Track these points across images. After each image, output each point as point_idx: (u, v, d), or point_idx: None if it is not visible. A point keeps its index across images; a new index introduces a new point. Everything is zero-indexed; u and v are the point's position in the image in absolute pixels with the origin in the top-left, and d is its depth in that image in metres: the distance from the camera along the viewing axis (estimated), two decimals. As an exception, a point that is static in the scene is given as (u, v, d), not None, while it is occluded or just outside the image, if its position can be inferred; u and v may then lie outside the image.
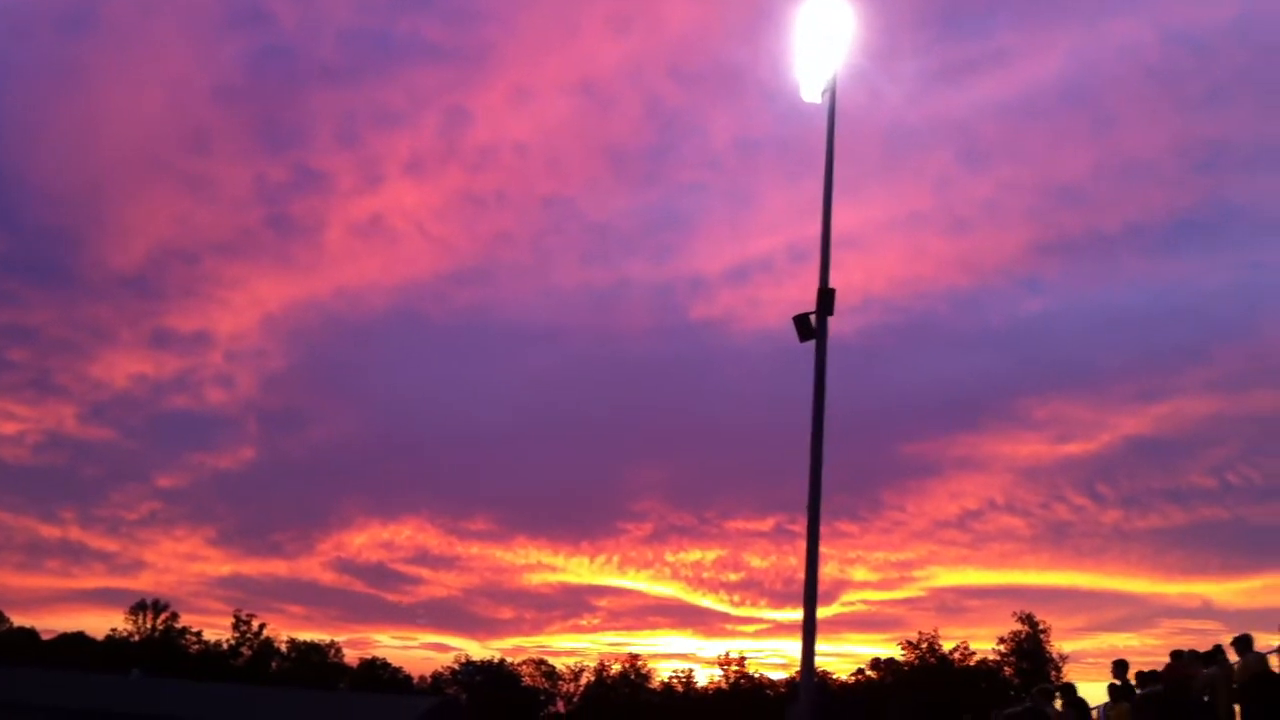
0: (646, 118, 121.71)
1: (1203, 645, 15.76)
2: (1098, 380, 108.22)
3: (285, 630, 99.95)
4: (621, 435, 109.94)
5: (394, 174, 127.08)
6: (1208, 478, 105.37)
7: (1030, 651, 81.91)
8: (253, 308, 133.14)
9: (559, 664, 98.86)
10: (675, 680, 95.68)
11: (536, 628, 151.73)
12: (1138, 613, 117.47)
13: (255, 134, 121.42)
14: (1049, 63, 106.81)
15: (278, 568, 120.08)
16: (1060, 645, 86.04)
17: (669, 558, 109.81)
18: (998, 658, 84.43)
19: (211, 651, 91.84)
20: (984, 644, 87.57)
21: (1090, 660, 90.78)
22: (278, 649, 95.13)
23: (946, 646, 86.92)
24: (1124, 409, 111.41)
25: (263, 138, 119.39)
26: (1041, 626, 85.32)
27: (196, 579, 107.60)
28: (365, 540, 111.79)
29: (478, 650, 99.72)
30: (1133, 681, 16.25)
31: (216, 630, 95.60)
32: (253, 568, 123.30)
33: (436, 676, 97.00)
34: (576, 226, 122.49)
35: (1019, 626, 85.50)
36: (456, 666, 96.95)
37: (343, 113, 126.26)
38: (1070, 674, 79.20)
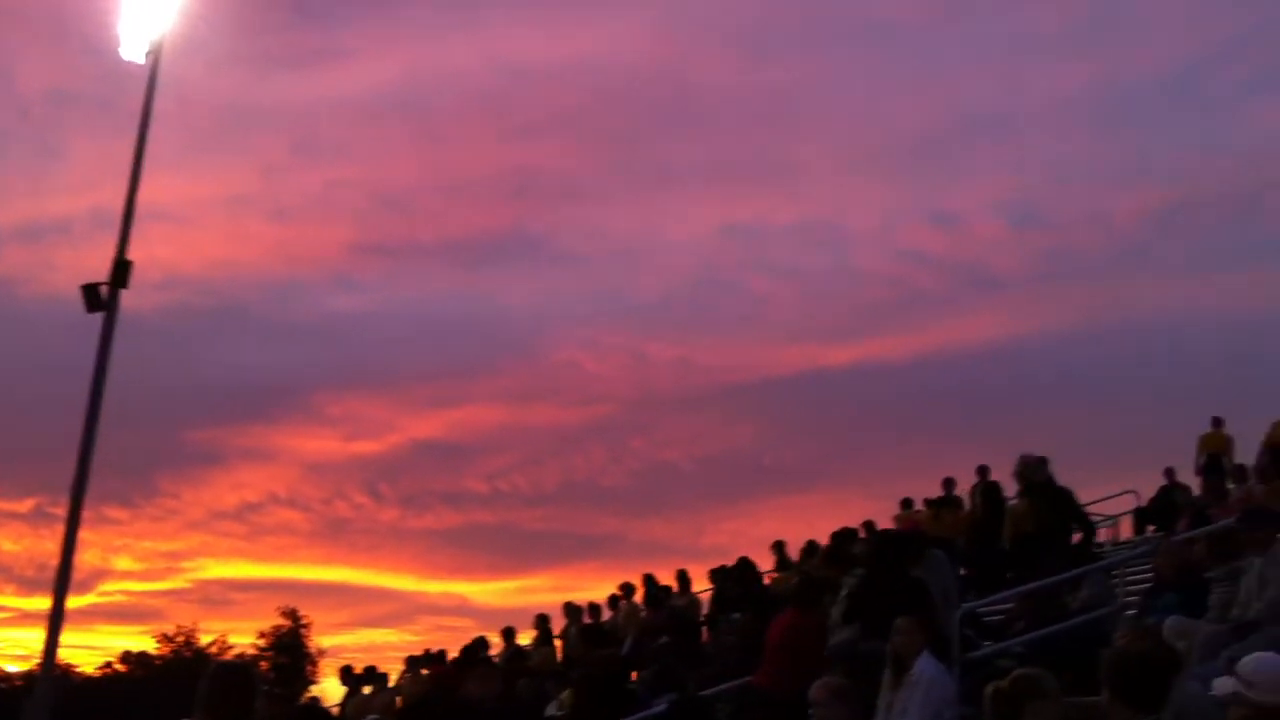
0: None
1: (457, 642, 17.08)
2: (396, 383, 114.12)
3: None
4: None
5: None
6: (483, 483, 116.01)
7: (290, 645, 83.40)
8: None
9: None
10: None
11: None
12: (401, 609, 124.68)
13: None
14: (389, 71, 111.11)
15: None
16: (320, 640, 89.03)
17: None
18: (256, 651, 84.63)
19: None
20: (244, 638, 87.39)
21: (348, 655, 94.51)
22: None
23: (205, 640, 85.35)
24: (416, 412, 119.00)
25: None
26: (304, 621, 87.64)
27: None
28: None
29: None
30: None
31: None
32: None
33: None
34: None
35: (281, 620, 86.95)
36: None
37: None
38: (325, 668, 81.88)
